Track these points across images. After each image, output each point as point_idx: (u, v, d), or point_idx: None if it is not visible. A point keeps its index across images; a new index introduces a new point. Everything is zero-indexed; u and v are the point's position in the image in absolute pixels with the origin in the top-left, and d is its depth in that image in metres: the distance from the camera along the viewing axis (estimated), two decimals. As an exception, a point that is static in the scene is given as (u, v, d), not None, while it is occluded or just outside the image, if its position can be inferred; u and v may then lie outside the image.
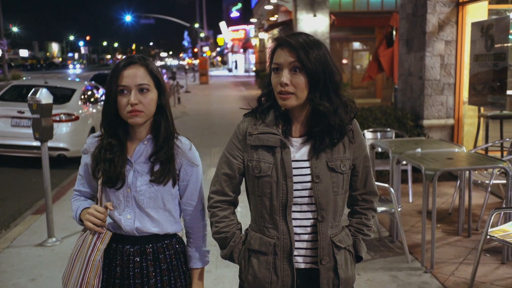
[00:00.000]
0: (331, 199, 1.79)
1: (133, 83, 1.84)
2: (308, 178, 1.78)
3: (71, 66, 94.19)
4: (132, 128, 1.94)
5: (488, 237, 3.49)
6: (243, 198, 1.97)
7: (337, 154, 1.81)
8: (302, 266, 1.84)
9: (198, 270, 2.04)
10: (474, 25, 6.31)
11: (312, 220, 1.80)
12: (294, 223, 1.80)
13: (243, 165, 1.87)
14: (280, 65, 1.74)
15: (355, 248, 1.93)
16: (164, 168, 1.91)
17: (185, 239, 2.10)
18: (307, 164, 1.79)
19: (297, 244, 1.82)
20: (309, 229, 1.81)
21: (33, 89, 4.60)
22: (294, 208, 1.79)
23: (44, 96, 4.53)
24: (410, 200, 5.82)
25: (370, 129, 6.21)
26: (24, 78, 13.85)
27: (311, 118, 1.81)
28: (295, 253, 1.82)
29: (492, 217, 3.48)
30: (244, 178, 1.93)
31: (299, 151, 1.81)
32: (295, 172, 1.78)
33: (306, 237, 1.82)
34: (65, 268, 1.96)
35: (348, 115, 1.82)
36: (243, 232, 1.95)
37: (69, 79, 11.42)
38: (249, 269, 1.86)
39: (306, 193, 1.78)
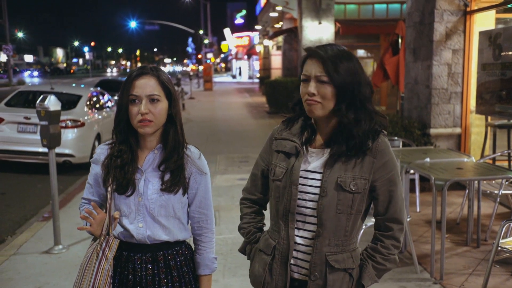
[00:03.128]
0: (332, 216, 1.74)
1: (143, 93, 1.88)
2: (317, 190, 1.77)
3: (27, 72, 65.85)
4: (142, 137, 1.96)
5: (499, 248, 3.45)
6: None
7: (352, 171, 1.74)
8: (296, 276, 1.84)
9: (206, 277, 2.08)
10: (482, 34, 6.29)
11: (312, 233, 1.79)
12: (297, 232, 1.81)
13: (267, 168, 1.95)
14: (308, 76, 1.76)
15: (360, 273, 1.82)
16: (175, 177, 1.94)
17: (193, 246, 2.12)
18: (318, 176, 1.78)
19: (296, 254, 1.83)
20: (308, 241, 1.81)
21: (41, 96, 4.61)
22: (299, 217, 1.80)
23: (52, 103, 4.53)
24: (418, 210, 5.78)
25: (377, 138, 6.18)
26: (30, 84, 13.89)
27: (336, 131, 1.79)
28: (293, 262, 1.83)
29: (504, 229, 3.44)
30: None
31: (314, 162, 1.80)
32: (304, 181, 1.78)
33: (304, 248, 1.82)
34: (76, 277, 1.96)
35: (373, 128, 1.75)
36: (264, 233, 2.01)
37: (74, 85, 11.45)
38: (252, 266, 1.96)
39: (311, 205, 1.78)
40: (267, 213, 2.05)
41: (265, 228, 2.04)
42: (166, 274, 1.96)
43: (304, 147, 1.81)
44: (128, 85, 1.89)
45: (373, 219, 1.89)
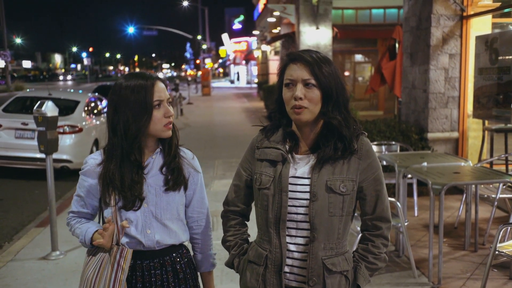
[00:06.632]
0: (325, 219, 1.75)
1: (165, 96, 1.93)
2: (307, 195, 1.76)
3: None
4: (145, 143, 1.96)
5: (496, 252, 3.45)
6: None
7: (340, 174, 1.76)
8: (294, 284, 1.82)
9: (209, 274, 2.13)
10: (478, 38, 6.31)
11: (306, 239, 1.78)
12: (289, 239, 1.79)
13: (250, 178, 1.92)
14: (293, 80, 1.75)
15: (354, 275, 1.84)
16: (176, 176, 1.97)
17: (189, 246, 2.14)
18: (307, 181, 1.77)
19: (289, 261, 1.80)
20: (302, 248, 1.79)
21: (38, 102, 4.60)
22: (290, 224, 1.79)
23: (49, 109, 4.53)
24: (416, 214, 5.78)
25: (375, 142, 6.19)
26: (28, 90, 13.87)
27: (320, 135, 1.80)
28: (287, 270, 1.81)
29: (501, 233, 3.45)
30: None
31: (301, 168, 1.80)
32: (293, 188, 1.77)
33: (298, 255, 1.80)
34: None
35: (355, 130, 1.80)
36: (250, 244, 1.97)
37: (72, 90, 11.47)
38: (243, 278, 1.91)
39: (302, 210, 1.77)
40: (249, 224, 2.04)
41: (250, 239, 2.02)
42: (174, 278, 1.98)
43: (289, 154, 1.81)
44: (150, 91, 1.87)
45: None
